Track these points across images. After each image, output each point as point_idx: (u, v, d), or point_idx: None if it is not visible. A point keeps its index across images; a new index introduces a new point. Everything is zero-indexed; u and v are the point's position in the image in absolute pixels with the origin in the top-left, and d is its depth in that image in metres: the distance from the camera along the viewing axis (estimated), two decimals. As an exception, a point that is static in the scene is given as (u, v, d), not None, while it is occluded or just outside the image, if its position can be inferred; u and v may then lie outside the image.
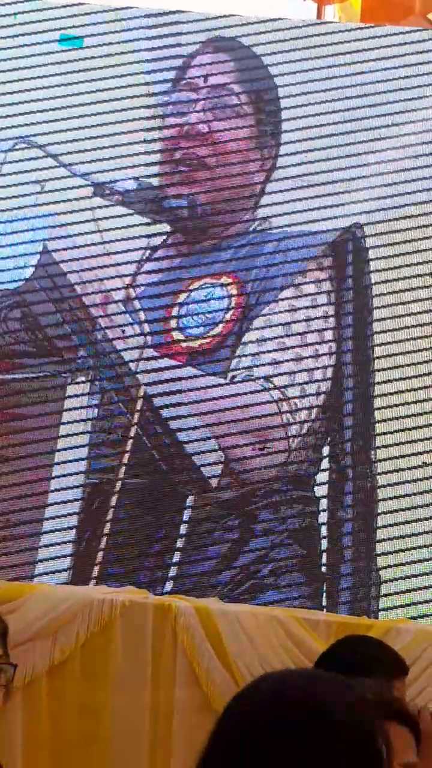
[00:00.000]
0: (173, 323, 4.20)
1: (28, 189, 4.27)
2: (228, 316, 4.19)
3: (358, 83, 4.37)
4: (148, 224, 4.29)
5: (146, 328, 4.18)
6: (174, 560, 3.97)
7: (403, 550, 4.02)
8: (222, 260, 4.26)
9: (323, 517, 4.04)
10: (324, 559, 4.01)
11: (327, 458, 4.09)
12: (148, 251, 4.27)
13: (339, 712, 1.25)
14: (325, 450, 4.11)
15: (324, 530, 4.03)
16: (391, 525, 4.04)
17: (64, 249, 4.22)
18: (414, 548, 4.02)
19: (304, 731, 1.24)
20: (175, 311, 4.21)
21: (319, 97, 4.35)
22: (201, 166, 4.28)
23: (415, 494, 4.06)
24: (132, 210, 4.27)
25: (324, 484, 4.07)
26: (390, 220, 4.27)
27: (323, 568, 4.01)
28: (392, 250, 4.25)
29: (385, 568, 4.01)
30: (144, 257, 4.26)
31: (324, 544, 4.02)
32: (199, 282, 4.24)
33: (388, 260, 4.24)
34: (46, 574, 3.91)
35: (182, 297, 4.23)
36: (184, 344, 4.17)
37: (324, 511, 4.04)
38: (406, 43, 4.40)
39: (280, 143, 4.34)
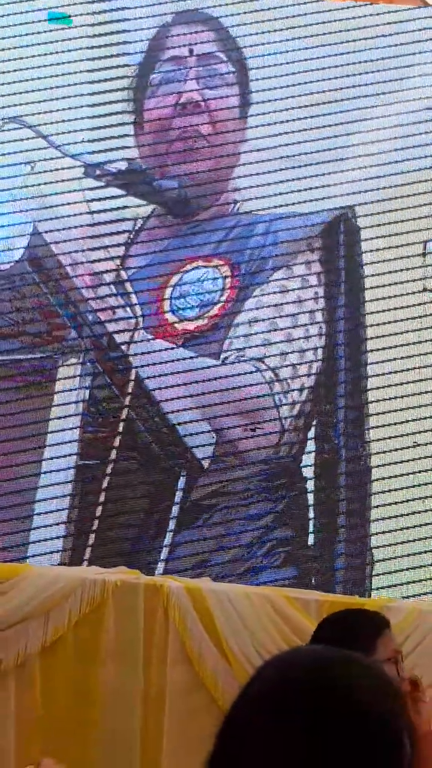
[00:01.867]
0: (166, 305, 4.19)
1: (17, 169, 4.25)
2: (223, 298, 4.18)
3: (350, 62, 4.35)
4: (138, 206, 4.27)
5: (138, 310, 4.18)
6: (166, 542, 3.97)
7: (396, 530, 4.02)
8: (213, 242, 4.25)
9: (315, 498, 4.04)
10: (316, 540, 4.02)
11: (319, 439, 4.09)
12: (137, 231, 4.26)
13: (364, 702, 1.19)
14: (318, 431, 4.11)
15: (316, 511, 4.03)
16: (384, 505, 4.05)
17: (53, 230, 4.21)
18: (407, 528, 4.02)
19: (330, 721, 1.17)
20: (168, 294, 4.20)
21: (309, 77, 4.33)
22: (198, 136, 4.26)
23: (407, 474, 4.06)
24: (122, 191, 4.26)
25: (316, 465, 4.07)
26: (381, 200, 4.26)
27: (315, 549, 4.01)
28: (384, 230, 4.24)
29: (378, 547, 4.01)
30: (131, 238, 4.25)
31: (316, 524, 4.02)
32: (191, 264, 4.23)
33: (379, 240, 4.23)
34: (38, 555, 3.92)
35: (175, 279, 4.22)
36: (178, 326, 4.16)
37: (316, 491, 4.04)
38: (398, 22, 4.37)
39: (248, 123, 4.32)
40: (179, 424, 4.07)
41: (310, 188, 4.26)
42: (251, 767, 1.19)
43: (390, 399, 4.13)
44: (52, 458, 4.03)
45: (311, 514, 4.03)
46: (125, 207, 4.25)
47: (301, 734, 1.17)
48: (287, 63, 4.33)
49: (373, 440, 4.10)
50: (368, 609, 2.94)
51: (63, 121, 4.28)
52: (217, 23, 4.36)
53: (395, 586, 3.98)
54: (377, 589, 3.99)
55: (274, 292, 4.19)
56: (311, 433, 4.10)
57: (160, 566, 3.93)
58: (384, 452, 4.08)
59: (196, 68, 4.31)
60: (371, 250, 4.24)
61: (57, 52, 4.32)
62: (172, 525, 3.98)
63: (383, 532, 4.02)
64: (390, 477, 4.07)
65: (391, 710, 1.20)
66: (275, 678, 1.24)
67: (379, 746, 1.18)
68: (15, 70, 4.32)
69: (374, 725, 1.18)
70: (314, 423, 4.11)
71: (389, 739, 1.18)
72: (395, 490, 4.06)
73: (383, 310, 4.20)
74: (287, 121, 4.31)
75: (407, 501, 4.05)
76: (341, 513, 4.03)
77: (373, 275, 4.22)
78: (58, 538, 3.97)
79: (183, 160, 4.28)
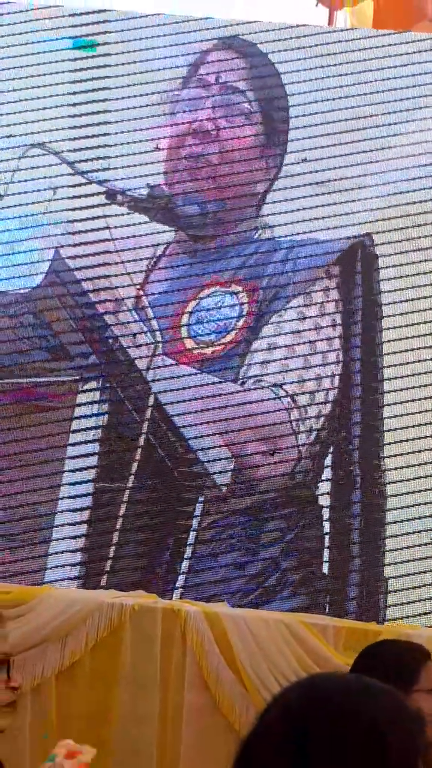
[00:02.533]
0: (184, 330, 4.21)
1: (40, 194, 4.29)
2: (240, 323, 4.20)
3: (369, 92, 4.39)
4: (158, 232, 4.30)
5: (158, 335, 4.20)
6: (183, 568, 3.97)
7: (412, 561, 4.01)
8: (232, 267, 4.28)
9: (331, 526, 4.04)
10: (331, 568, 4.01)
11: (334, 466, 4.09)
12: (159, 257, 4.29)
13: (389, 732, 1.19)
14: (333, 458, 4.11)
15: (332, 539, 4.03)
16: (400, 535, 4.04)
17: (76, 255, 4.24)
18: (423, 559, 4.02)
19: (351, 746, 1.18)
20: (185, 318, 4.22)
21: (329, 105, 4.36)
22: (206, 164, 4.29)
23: (425, 504, 4.06)
24: (144, 215, 4.29)
25: (332, 492, 4.07)
26: (400, 229, 4.28)
27: (330, 577, 4.01)
28: (402, 258, 4.26)
29: (393, 577, 4.01)
30: (154, 263, 4.28)
31: (332, 552, 4.02)
32: (209, 289, 4.25)
33: (397, 268, 4.25)
34: (56, 581, 3.92)
35: (192, 304, 4.24)
36: (196, 351, 4.18)
37: (332, 519, 4.04)
38: (417, 52, 4.41)
39: (285, 151, 4.35)
40: (198, 450, 4.08)
41: (330, 216, 4.29)
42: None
43: (407, 428, 4.13)
44: (70, 483, 4.04)
45: (329, 542, 4.03)
46: (147, 234, 4.28)
47: (320, 762, 1.17)
48: (307, 92, 4.37)
49: (388, 468, 4.10)
50: (409, 641, 2.94)
51: (87, 148, 4.32)
52: (250, 51, 4.40)
53: (410, 617, 3.97)
54: (391, 619, 3.97)
55: (292, 320, 4.21)
56: (327, 461, 4.10)
57: (177, 593, 3.94)
58: (400, 481, 4.08)
59: (217, 96, 4.35)
60: (390, 278, 4.26)
61: (82, 81, 4.37)
62: (188, 551, 3.98)
63: (398, 563, 4.01)
64: (407, 506, 4.06)
65: (411, 743, 1.21)
66: (294, 704, 1.24)
67: None
68: (39, 98, 4.37)
69: (393, 758, 1.18)
70: (330, 450, 4.12)
71: None
72: (412, 519, 4.05)
73: (400, 338, 4.21)
74: (308, 150, 4.35)
75: (425, 531, 4.04)
76: (356, 542, 4.03)
77: (391, 303, 4.23)
78: (75, 564, 3.97)
79: (204, 187, 4.31)
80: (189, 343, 4.20)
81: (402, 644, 2.85)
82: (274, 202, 4.31)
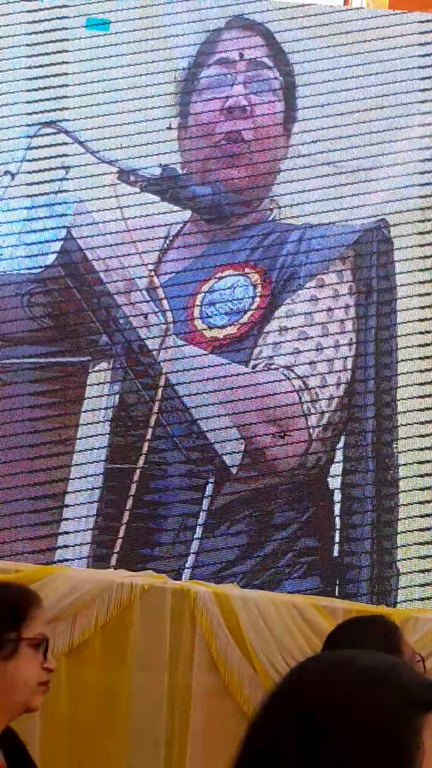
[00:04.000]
0: (197, 313, 4.20)
1: (53, 174, 4.28)
2: (253, 307, 4.18)
3: (385, 71, 4.36)
4: (172, 211, 4.29)
5: (169, 316, 4.19)
6: (193, 549, 3.97)
7: (424, 543, 4.00)
8: (246, 249, 4.26)
9: (343, 508, 4.03)
10: (342, 550, 4.01)
11: (346, 449, 4.08)
12: (171, 238, 4.27)
13: (362, 708, 1.18)
14: (345, 441, 4.10)
15: (343, 521, 4.02)
16: (412, 517, 4.03)
17: (88, 235, 4.23)
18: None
19: (348, 729, 1.18)
20: (198, 301, 4.21)
21: (343, 85, 4.34)
22: (241, 141, 4.26)
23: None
24: (156, 196, 4.27)
25: (344, 474, 4.07)
26: (416, 210, 4.26)
27: (341, 559, 4.00)
28: (417, 240, 4.23)
29: (405, 560, 4.00)
30: (167, 245, 4.26)
31: (342, 534, 4.01)
32: (223, 272, 4.24)
33: (412, 250, 4.23)
34: (66, 560, 3.92)
35: (206, 287, 4.23)
36: (208, 334, 4.17)
37: (343, 501, 4.04)
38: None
39: (291, 131, 4.32)
40: (208, 430, 4.07)
41: (346, 196, 4.26)
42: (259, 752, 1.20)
43: (419, 410, 4.12)
44: (81, 463, 4.05)
45: (340, 524, 4.02)
46: (160, 213, 4.27)
47: (316, 740, 1.18)
48: (322, 70, 4.35)
49: (401, 451, 4.09)
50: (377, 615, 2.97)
51: (99, 127, 4.31)
52: (265, 30, 4.37)
53: (422, 599, 3.96)
54: (403, 602, 3.97)
55: (305, 301, 4.20)
56: (339, 443, 4.09)
57: (186, 572, 3.94)
58: (412, 464, 4.07)
59: (245, 73, 4.32)
60: (405, 259, 4.23)
61: (96, 58, 4.36)
62: (198, 531, 3.98)
63: (410, 545, 4.00)
64: (420, 489, 4.05)
65: (410, 721, 1.19)
66: (296, 683, 1.24)
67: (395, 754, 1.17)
68: (50, 76, 4.36)
69: (389, 737, 1.17)
70: (342, 433, 4.10)
71: (405, 749, 1.18)
72: (425, 502, 4.04)
73: (414, 321, 4.19)
74: (323, 128, 4.32)
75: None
76: (367, 524, 4.02)
77: (406, 284, 4.21)
78: (85, 543, 3.98)
79: (221, 167, 4.29)
80: (200, 326, 4.19)
81: (378, 619, 2.87)
82: (290, 181, 4.29)
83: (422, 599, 3.96)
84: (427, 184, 4.28)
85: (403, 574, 3.98)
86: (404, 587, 3.98)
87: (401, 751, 1.17)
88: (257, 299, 4.21)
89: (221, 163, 4.29)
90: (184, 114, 4.32)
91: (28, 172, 4.30)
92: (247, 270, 4.24)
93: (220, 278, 4.23)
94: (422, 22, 4.37)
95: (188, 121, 4.30)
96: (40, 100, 4.34)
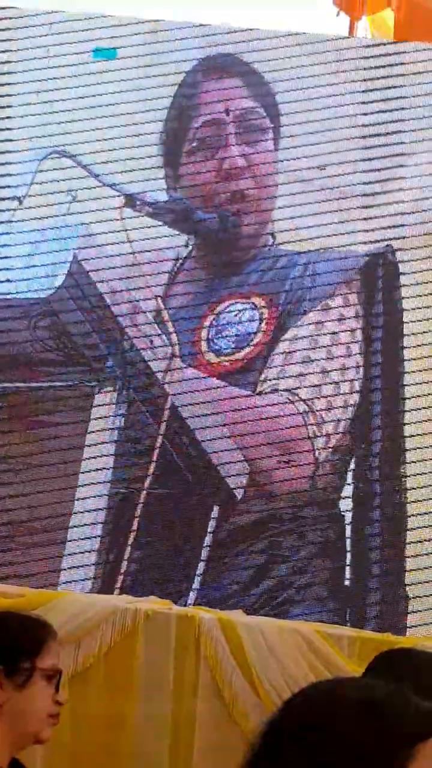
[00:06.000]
0: (203, 343, 4.21)
1: (59, 199, 4.30)
2: (259, 337, 4.19)
3: (389, 98, 4.37)
4: (177, 236, 4.30)
5: (174, 338, 4.19)
6: (198, 571, 3.95)
7: None
8: (251, 279, 4.27)
9: (349, 532, 4.01)
10: (351, 574, 3.99)
11: (354, 473, 4.07)
12: (178, 264, 4.28)
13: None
14: (353, 464, 4.09)
15: (350, 545, 4.01)
16: (420, 541, 4.01)
17: (94, 259, 4.24)
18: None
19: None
20: (204, 330, 4.22)
21: (346, 111, 4.35)
22: (240, 198, 4.29)
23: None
24: (162, 222, 4.29)
25: (351, 498, 4.05)
26: (422, 235, 4.26)
27: (349, 584, 3.98)
28: (424, 265, 4.24)
29: (414, 584, 3.97)
30: (174, 269, 4.27)
31: (350, 559, 4.00)
32: (229, 300, 4.24)
33: (421, 275, 4.23)
34: (71, 582, 3.91)
35: (211, 316, 4.23)
36: (215, 361, 4.17)
37: (350, 524, 4.02)
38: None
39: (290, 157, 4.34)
40: (213, 452, 4.06)
41: (352, 220, 4.27)
42: None
43: (428, 434, 4.11)
44: (85, 485, 4.04)
45: (347, 548, 4.00)
46: (166, 236, 4.28)
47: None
48: (325, 96, 4.37)
49: (409, 475, 4.07)
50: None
51: (103, 150, 4.33)
52: (239, 68, 4.40)
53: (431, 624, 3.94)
54: (412, 627, 3.94)
55: (311, 328, 4.20)
56: (347, 466, 4.08)
57: (192, 596, 3.92)
58: (421, 487, 4.05)
59: (235, 129, 4.34)
60: (411, 284, 4.24)
61: (100, 84, 4.38)
62: (204, 555, 3.97)
63: (419, 569, 3.98)
64: (429, 513, 4.03)
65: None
66: (300, 709, 1.23)
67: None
68: (59, 100, 4.38)
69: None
70: (350, 456, 4.09)
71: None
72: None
73: (421, 344, 4.19)
74: (325, 153, 4.34)
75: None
76: (375, 548, 4.00)
77: (413, 308, 4.21)
78: (90, 565, 3.97)
79: (223, 200, 4.31)
80: (208, 356, 4.19)
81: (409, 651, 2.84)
82: (290, 206, 4.30)
83: (431, 624, 3.93)
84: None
85: (413, 598, 3.96)
86: (414, 611, 3.96)
87: None
88: (263, 326, 4.21)
89: (224, 200, 4.31)
90: (176, 169, 4.34)
91: (35, 196, 4.33)
92: (253, 298, 4.24)
93: (227, 305, 4.23)
94: (427, 50, 4.39)
95: (181, 176, 4.32)
96: (47, 124, 4.36)
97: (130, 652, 3.44)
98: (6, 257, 4.28)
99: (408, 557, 3.99)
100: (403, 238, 4.26)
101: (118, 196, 4.29)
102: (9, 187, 4.33)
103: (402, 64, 4.38)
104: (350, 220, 4.27)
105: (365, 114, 4.34)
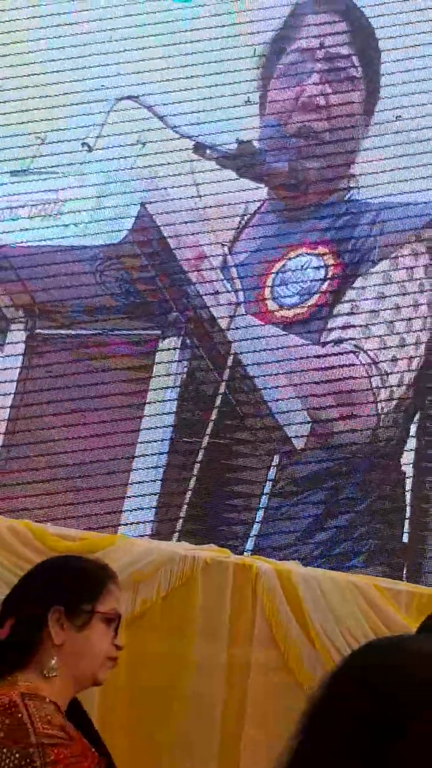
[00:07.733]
0: (267, 292, 4.18)
1: (128, 144, 4.29)
2: (324, 287, 4.16)
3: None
4: (246, 183, 4.27)
5: (241, 294, 4.18)
6: (257, 519, 3.97)
7: None
8: (320, 226, 4.23)
9: (409, 486, 3.99)
10: (408, 529, 3.97)
11: (416, 426, 4.04)
12: (245, 212, 4.25)
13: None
14: (416, 418, 4.06)
15: (409, 499, 3.99)
16: None
17: (160, 203, 4.23)
18: None
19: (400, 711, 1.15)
20: (270, 280, 4.19)
21: (424, 62, 4.28)
22: (313, 137, 4.24)
23: None
24: (232, 171, 4.26)
25: (413, 451, 4.03)
26: None
27: (407, 539, 3.97)
28: None
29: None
30: (242, 217, 4.25)
31: (409, 513, 3.98)
32: (295, 251, 4.21)
33: None
34: (130, 524, 3.95)
35: (278, 265, 4.21)
36: (278, 314, 4.15)
37: (410, 478, 4.00)
38: None
39: (374, 110, 4.28)
40: (273, 400, 4.06)
41: (423, 178, 4.21)
42: (322, 749, 1.18)
43: None
44: (147, 429, 4.06)
45: (406, 503, 3.98)
46: (235, 191, 4.25)
47: (394, 740, 1.15)
48: (404, 48, 4.29)
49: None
50: None
51: (177, 102, 4.30)
52: (350, 11, 4.32)
53: None
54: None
55: (378, 275, 4.15)
56: (409, 421, 4.05)
57: (250, 542, 3.93)
58: None
59: (323, 66, 4.28)
60: None
61: (177, 32, 4.34)
62: (263, 503, 3.98)
63: None
64: None
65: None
66: (355, 664, 1.23)
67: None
68: (130, 50, 4.36)
69: None
70: (412, 411, 4.06)
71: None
72: None
73: None
74: (401, 107, 4.27)
75: None
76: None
77: None
78: (149, 508, 4.00)
79: (298, 144, 4.26)
80: (271, 306, 4.17)
81: None
82: (368, 161, 4.24)
83: None
84: None
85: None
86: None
87: None
88: (329, 276, 4.17)
89: (298, 143, 4.25)
90: (264, 96, 4.29)
91: (105, 147, 4.32)
92: (319, 249, 4.20)
93: (293, 257, 4.20)
94: None
95: (267, 103, 4.27)
96: (119, 75, 4.34)
97: (188, 598, 3.47)
98: (74, 203, 4.28)
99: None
100: None
101: (188, 148, 4.27)
102: (78, 135, 4.32)
103: None
104: (425, 176, 4.21)
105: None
